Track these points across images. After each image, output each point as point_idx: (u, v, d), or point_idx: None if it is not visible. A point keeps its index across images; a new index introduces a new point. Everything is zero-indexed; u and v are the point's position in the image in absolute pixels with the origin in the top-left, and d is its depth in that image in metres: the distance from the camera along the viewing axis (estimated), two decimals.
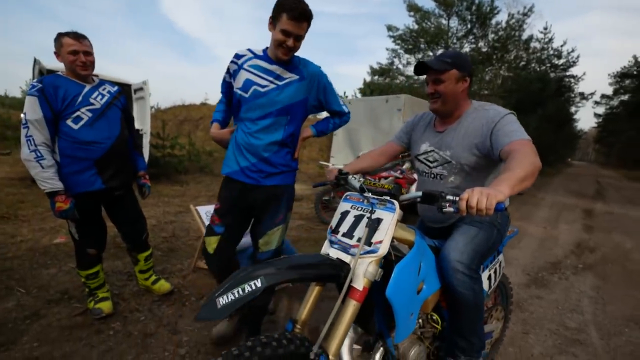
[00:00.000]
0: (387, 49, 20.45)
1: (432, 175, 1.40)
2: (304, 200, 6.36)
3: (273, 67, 1.55)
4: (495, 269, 1.57)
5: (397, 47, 20.01)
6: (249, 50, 1.61)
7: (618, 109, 31.30)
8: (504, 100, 15.73)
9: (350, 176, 1.34)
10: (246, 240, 2.54)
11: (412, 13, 19.17)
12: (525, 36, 18.58)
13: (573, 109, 23.05)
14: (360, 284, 1.01)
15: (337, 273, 1.00)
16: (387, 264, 1.09)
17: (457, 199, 0.90)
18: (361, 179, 1.32)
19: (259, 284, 0.84)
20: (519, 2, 31.34)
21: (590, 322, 2.52)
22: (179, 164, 7.98)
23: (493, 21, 18.11)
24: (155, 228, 3.99)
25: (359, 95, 16.85)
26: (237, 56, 1.60)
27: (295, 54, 1.57)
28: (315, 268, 0.99)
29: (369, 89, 16.65)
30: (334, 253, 1.09)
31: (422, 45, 19.38)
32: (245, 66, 1.57)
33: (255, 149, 1.58)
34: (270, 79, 1.55)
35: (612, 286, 3.28)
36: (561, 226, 5.83)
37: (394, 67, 20.35)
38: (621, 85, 29.50)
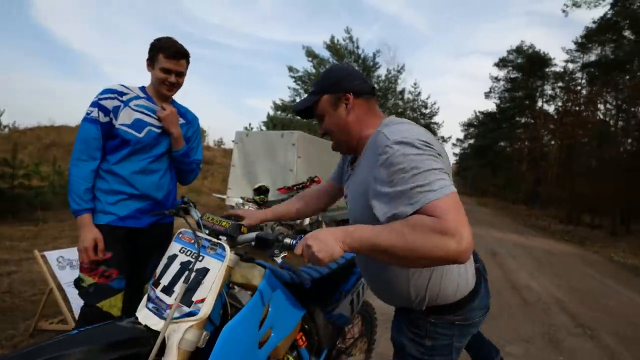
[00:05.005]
0: (289, 88, 21.85)
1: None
2: None
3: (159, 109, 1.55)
4: (358, 293, 1.55)
5: (298, 87, 21.62)
6: (126, 87, 1.49)
7: (468, 150, 40.51)
8: None
9: (192, 207, 1.08)
10: None
11: (310, 58, 21.24)
12: (400, 88, 22.97)
13: None
14: (172, 359, 0.78)
15: (136, 352, 0.75)
16: (225, 318, 0.91)
17: (294, 242, 0.81)
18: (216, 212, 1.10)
19: None
20: (395, 61, 39.10)
21: None
22: (35, 197, 6.46)
23: (376, 74, 21.67)
24: None
25: (263, 128, 17.28)
26: (116, 92, 1.44)
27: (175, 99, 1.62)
28: (103, 351, 0.71)
29: (271, 123, 17.29)
30: (145, 317, 0.85)
31: None
32: (131, 105, 1.45)
33: (147, 188, 1.49)
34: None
35: None
36: None
37: None
38: (468, 132, 38.50)
